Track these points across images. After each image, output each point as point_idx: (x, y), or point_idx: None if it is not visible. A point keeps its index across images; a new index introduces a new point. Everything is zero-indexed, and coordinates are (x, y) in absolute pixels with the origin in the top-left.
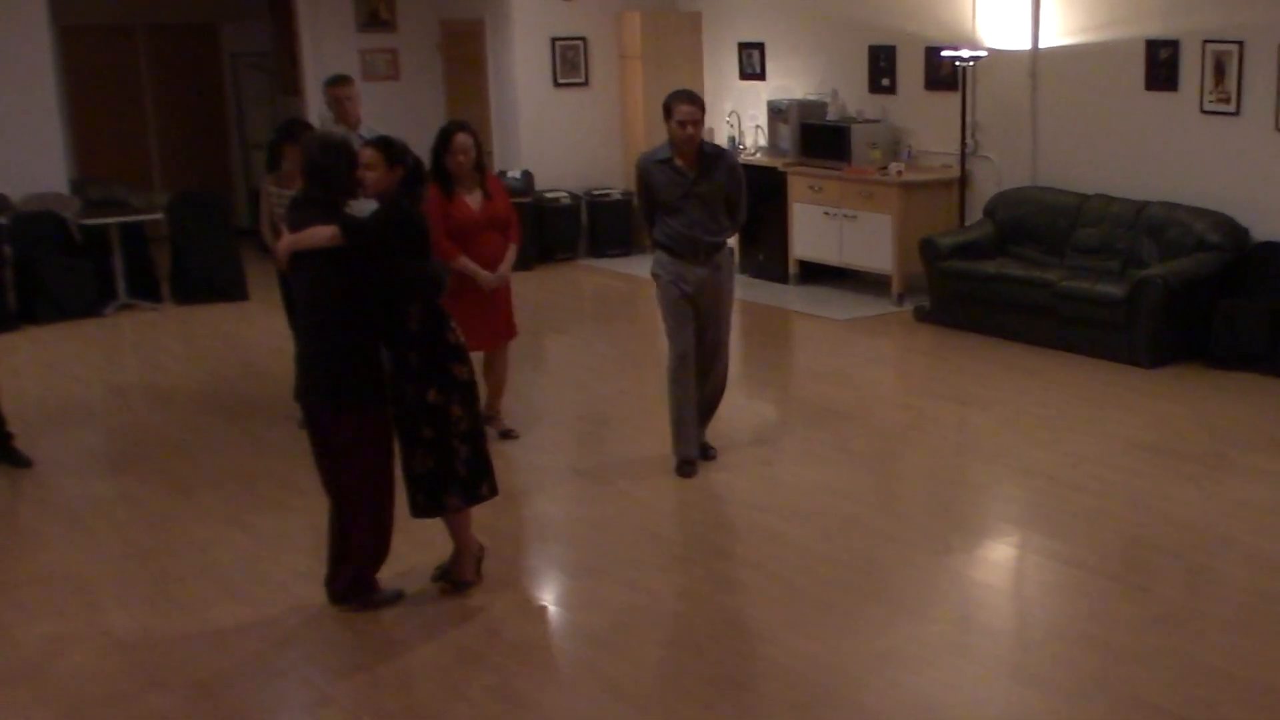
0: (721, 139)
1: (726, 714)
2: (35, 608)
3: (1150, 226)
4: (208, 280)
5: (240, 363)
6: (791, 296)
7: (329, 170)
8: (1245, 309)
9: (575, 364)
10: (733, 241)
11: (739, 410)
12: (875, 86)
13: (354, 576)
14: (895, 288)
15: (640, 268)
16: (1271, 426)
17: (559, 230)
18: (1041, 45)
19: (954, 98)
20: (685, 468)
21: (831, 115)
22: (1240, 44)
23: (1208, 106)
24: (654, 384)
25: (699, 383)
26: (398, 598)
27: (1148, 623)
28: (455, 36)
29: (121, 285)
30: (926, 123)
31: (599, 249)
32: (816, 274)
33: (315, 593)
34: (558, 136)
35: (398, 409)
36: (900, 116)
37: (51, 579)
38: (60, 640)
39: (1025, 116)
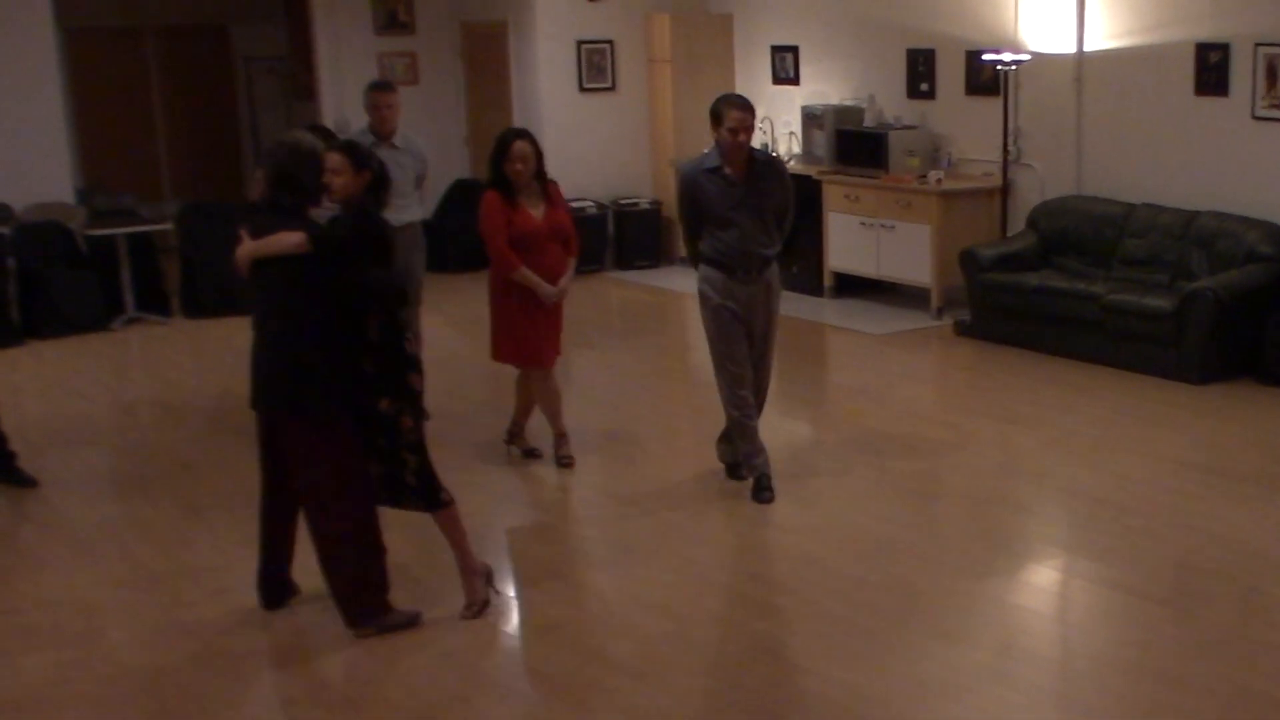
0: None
1: None
2: (39, 633)
3: (1200, 237)
4: (219, 293)
5: None
6: (827, 310)
7: (298, 176)
8: None
9: (603, 380)
10: None
11: (772, 429)
12: (914, 91)
13: (342, 591)
14: (934, 301)
15: (670, 280)
16: None
17: (585, 241)
18: (1087, 48)
19: (995, 103)
20: (764, 494)
21: (868, 121)
22: None
23: (1260, 112)
24: (684, 401)
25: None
26: (416, 619)
27: (1198, 649)
28: (477, 39)
29: (129, 298)
30: (967, 129)
31: (627, 260)
32: (853, 286)
33: (333, 619)
34: (583, 144)
35: (355, 417)
36: (940, 123)
37: (56, 604)
38: (65, 667)
39: (1070, 123)
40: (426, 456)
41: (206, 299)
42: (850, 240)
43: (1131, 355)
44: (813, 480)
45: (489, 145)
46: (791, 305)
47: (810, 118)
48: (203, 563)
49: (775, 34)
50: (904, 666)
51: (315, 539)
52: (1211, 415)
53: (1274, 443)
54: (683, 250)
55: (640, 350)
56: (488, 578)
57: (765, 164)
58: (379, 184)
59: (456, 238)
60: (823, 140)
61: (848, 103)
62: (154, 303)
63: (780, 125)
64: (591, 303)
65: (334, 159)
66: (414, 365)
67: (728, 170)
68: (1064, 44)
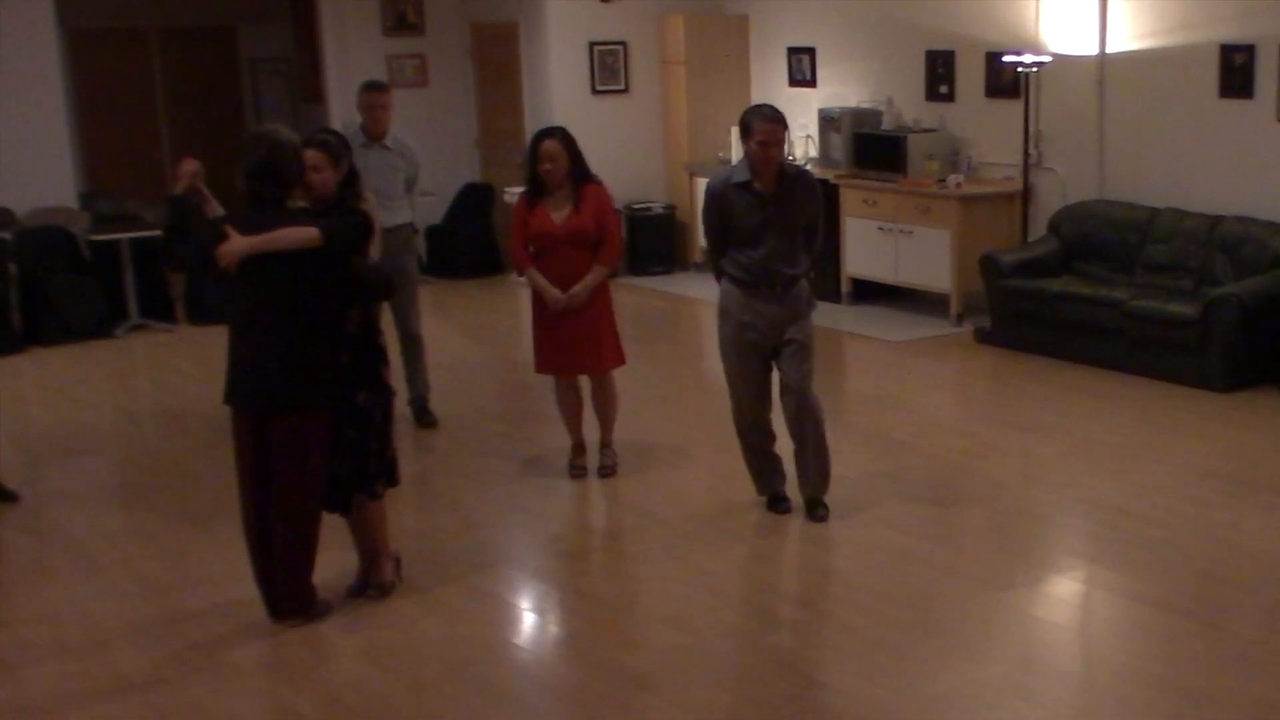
0: None
1: None
2: (42, 646)
3: (1224, 243)
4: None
5: None
6: (844, 316)
7: (283, 171)
8: None
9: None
10: None
11: (787, 438)
12: (933, 94)
13: (296, 586)
14: (954, 307)
15: (684, 286)
16: None
17: None
18: (1109, 50)
19: (1016, 106)
20: (778, 503)
21: (886, 124)
22: None
23: None
24: (698, 410)
25: (793, 426)
26: (329, 608)
27: (1223, 663)
28: (487, 41)
29: (133, 305)
30: (987, 132)
31: (640, 266)
32: (870, 293)
33: (339, 632)
34: (596, 147)
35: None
36: (959, 126)
37: (59, 616)
38: (68, 679)
39: (1092, 126)
40: (391, 443)
41: (212, 305)
42: (868, 245)
43: (1154, 363)
44: (830, 490)
45: (499, 148)
46: None
47: (827, 120)
48: (208, 573)
49: (792, 35)
50: (923, 680)
51: (288, 530)
52: (1236, 424)
53: None
54: (697, 256)
55: (654, 358)
56: (397, 563)
57: (796, 177)
58: (353, 179)
59: (466, 242)
60: (840, 143)
61: (865, 105)
62: (158, 309)
63: (797, 128)
64: None
65: (313, 155)
66: (384, 358)
67: (757, 184)
68: (1086, 45)
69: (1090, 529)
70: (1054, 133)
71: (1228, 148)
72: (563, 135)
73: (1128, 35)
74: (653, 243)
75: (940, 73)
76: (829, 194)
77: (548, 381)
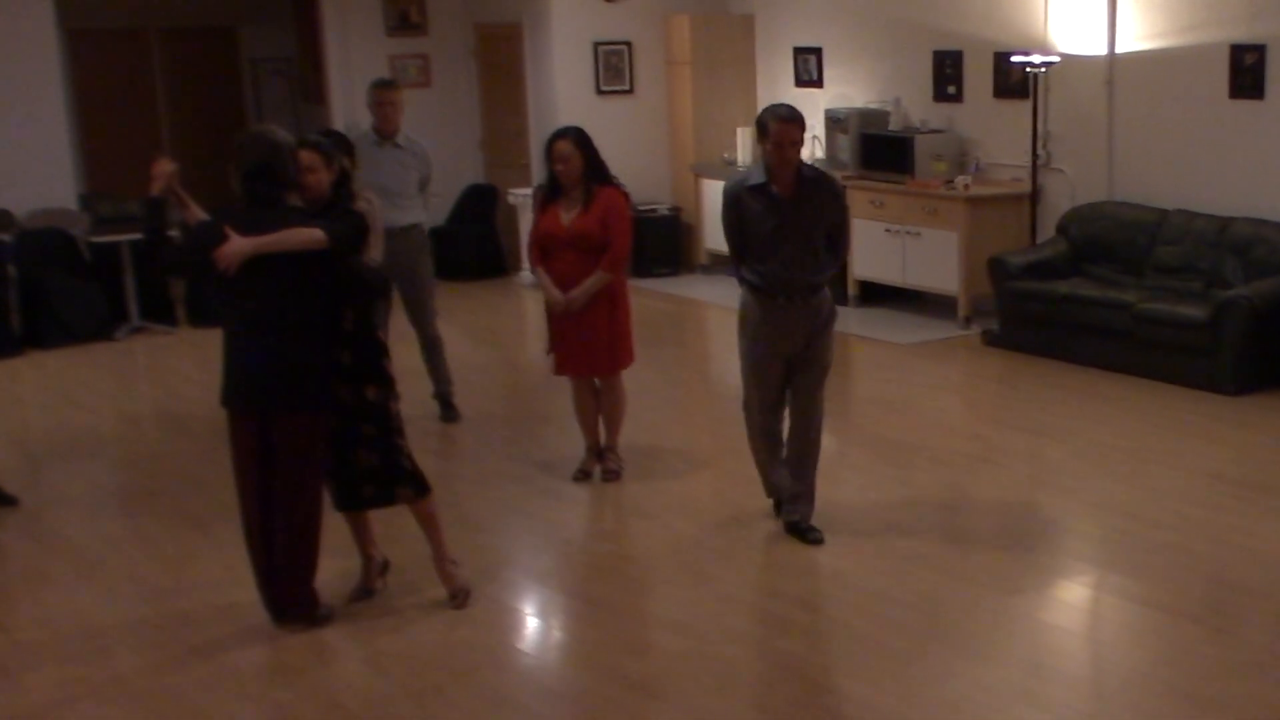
0: None
1: None
2: (42, 652)
3: (1235, 244)
4: None
5: None
6: (851, 319)
7: (281, 171)
8: None
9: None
10: None
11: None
12: (940, 94)
13: (298, 590)
14: (962, 310)
15: (690, 288)
16: None
17: None
18: (1118, 50)
19: (1025, 106)
20: (812, 534)
21: (894, 125)
22: None
23: None
24: (704, 413)
25: (793, 439)
26: (331, 613)
27: (1233, 669)
28: (491, 41)
29: (134, 307)
30: (995, 133)
31: (645, 268)
32: (877, 295)
33: (341, 637)
34: (601, 148)
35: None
36: (967, 126)
37: (58, 621)
38: (69, 686)
39: (1101, 126)
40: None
41: (212, 307)
42: (875, 247)
43: (1164, 365)
44: (837, 494)
45: (503, 149)
46: None
47: (834, 121)
48: (208, 577)
49: (798, 35)
50: (931, 686)
51: (290, 533)
52: (1247, 427)
53: None
54: (703, 258)
55: (659, 361)
56: (382, 568)
57: (814, 181)
58: (345, 179)
59: (470, 244)
60: (847, 144)
61: (873, 106)
62: (159, 311)
63: None
64: None
65: (307, 156)
66: (386, 352)
67: (774, 188)
68: (1095, 45)
69: (1099, 533)
70: (1063, 133)
71: (1238, 149)
72: (577, 136)
73: (1137, 35)
74: (658, 244)
75: (948, 73)
76: None
77: (553, 384)
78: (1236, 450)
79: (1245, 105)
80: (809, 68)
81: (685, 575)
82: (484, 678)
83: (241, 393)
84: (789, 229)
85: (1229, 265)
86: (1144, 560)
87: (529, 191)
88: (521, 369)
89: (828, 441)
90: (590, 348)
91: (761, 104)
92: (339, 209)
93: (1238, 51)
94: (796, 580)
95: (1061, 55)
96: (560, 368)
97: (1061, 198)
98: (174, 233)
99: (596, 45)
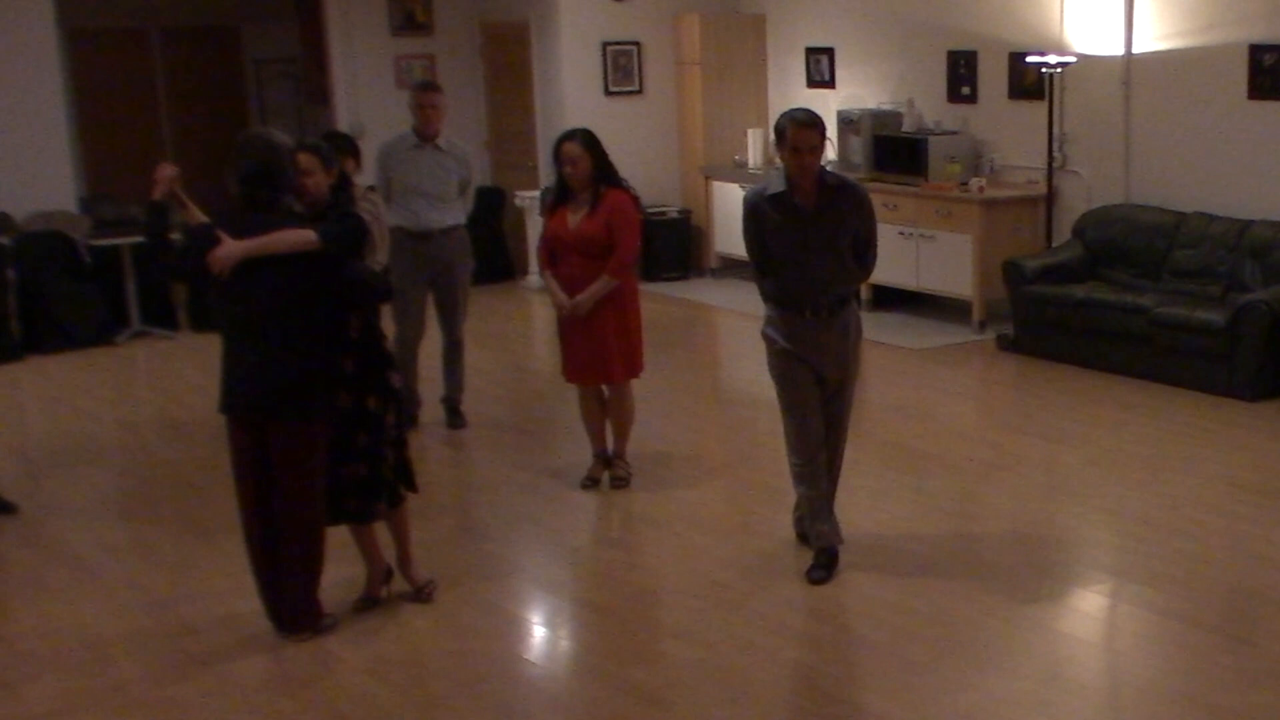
0: None
1: None
2: (42, 663)
3: (1254, 248)
4: None
5: None
6: (864, 323)
7: (280, 174)
8: None
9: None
10: None
11: None
12: (954, 95)
13: (302, 600)
14: (976, 314)
15: (699, 292)
16: None
17: None
18: (1135, 51)
19: (1040, 107)
20: (816, 572)
21: (907, 126)
22: None
23: None
24: (714, 420)
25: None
26: (336, 622)
27: (1252, 679)
28: (497, 40)
29: (135, 312)
30: (1010, 135)
31: (654, 272)
32: (890, 299)
33: (345, 646)
34: (609, 150)
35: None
36: (982, 128)
37: (59, 631)
38: (70, 697)
39: (1118, 128)
40: (405, 451)
41: (214, 312)
42: (888, 251)
43: (1182, 371)
44: (849, 502)
45: (510, 150)
46: None
47: (846, 123)
48: (210, 586)
49: (810, 35)
50: (944, 697)
51: (294, 540)
52: (1265, 433)
53: None
54: (713, 261)
55: (668, 367)
56: (386, 575)
57: (838, 189)
58: (345, 183)
59: (476, 247)
60: (859, 146)
61: (886, 107)
62: (160, 316)
63: None
64: None
65: (305, 160)
66: (391, 363)
67: (796, 198)
68: (1112, 45)
69: (1115, 541)
70: (1079, 135)
71: (1257, 150)
72: (584, 137)
73: (1154, 35)
74: (667, 248)
75: (962, 73)
76: None
77: (560, 389)
78: (1255, 457)
79: (1264, 106)
80: (821, 68)
81: (694, 584)
82: (490, 688)
83: (237, 399)
84: (812, 240)
85: (1248, 269)
86: (1161, 569)
87: (536, 194)
88: (528, 374)
89: None
90: (598, 355)
91: (773, 105)
92: (337, 212)
93: (1257, 52)
94: (807, 589)
95: (1078, 55)
96: (568, 374)
97: (1078, 200)
98: (176, 236)
99: (605, 45)
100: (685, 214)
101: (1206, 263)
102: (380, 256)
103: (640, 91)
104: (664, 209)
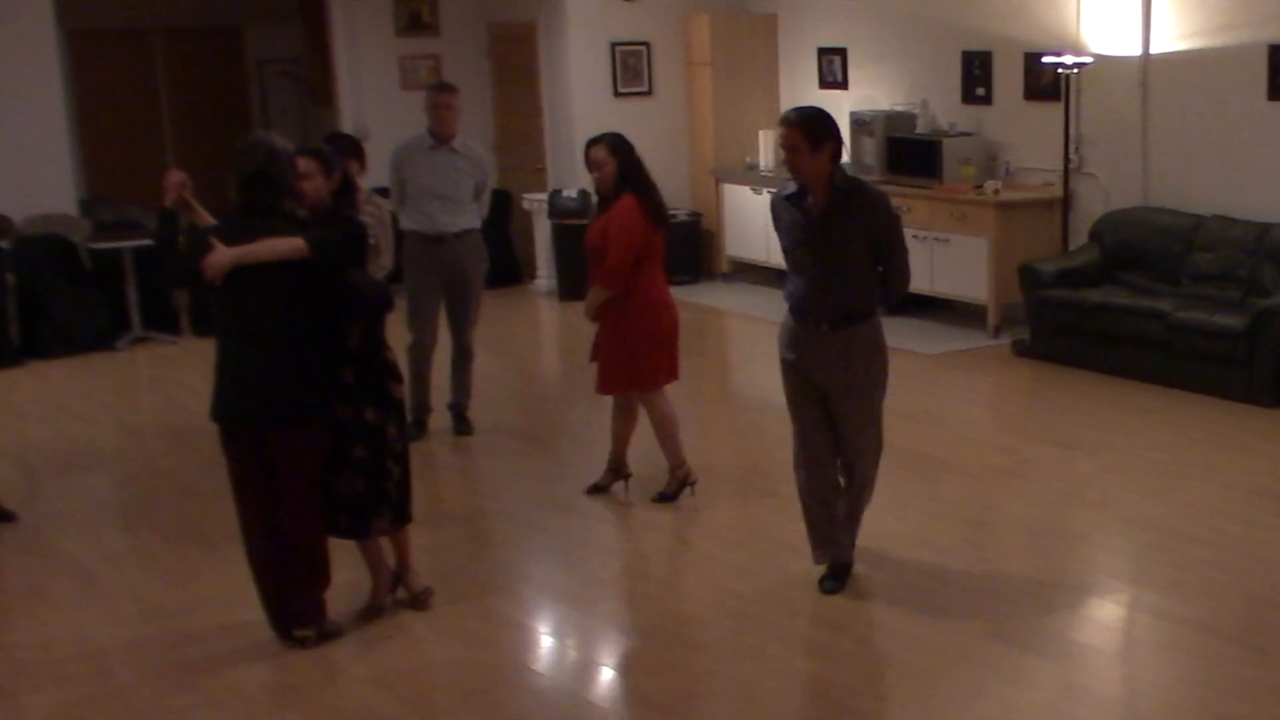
0: None
1: None
2: (41, 674)
3: (1273, 251)
4: None
5: None
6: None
7: (280, 179)
8: None
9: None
10: None
11: None
12: (969, 96)
13: (309, 601)
14: (991, 319)
15: (709, 296)
16: None
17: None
18: (1153, 51)
19: (1056, 109)
20: (827, 583)
21: (921, 128)
22: None
23: None
24: (724, 427)
25: (846, 488)
26: (340, 629)
27: (1271, 690)
28: (504, 41)
29: (135, 316)
30: (1026, 136)
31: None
32: (904, 303)
33: (349, 656)
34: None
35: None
36: (997, 130)
37: (58, 641)
38: (70, 709)
39: (1135, 129)
40: (408, 468)
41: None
42: None
43: (1200, 376)
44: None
45: (517, 153)
46: None
47: (859, 124)
48: (212, 595)
49: (822, 35)
50: (958, 708)
51: (301, 544)
52: None
53: None
54: (724, 265)
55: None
56: (393, 582)
57: (846, 192)
58: (348, 188)
59: None
60: (872, 148)
61: (899, 108)
62: (161, 321)
63: None
64: None
65: (304, 163)
66: (394, 374)
67: (809, 199)
68: (1129, 46)
69: (1133, 550)
70: (1095, 137)
71: (1277, 152)
72: (611, 142)
73: (1172, 35)
74: (677, 251)
75: (977, 74)
76: None
77: (567, 396)
78: (1274, 464)
79: None
80: (833, 69)
81: (705, 593)
82: (497, 698)
83: (228, 406)
84: (816, 245)
85: (1267, 273)
86: (1179, 577)
87: (544, 196)
88: (536, 380)
89: None
90: (604, 365)
91: (784, 106)
92: (335, 218)
93: (1277, 52)
94: (818, 598)
95: (1094, 56)
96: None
97: (1094, 203)
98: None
99: (614, 45)
100: (695, 217)
101: (1225, 266)
102: (385, 261)
103: (650, 93)
104: (674, 212)
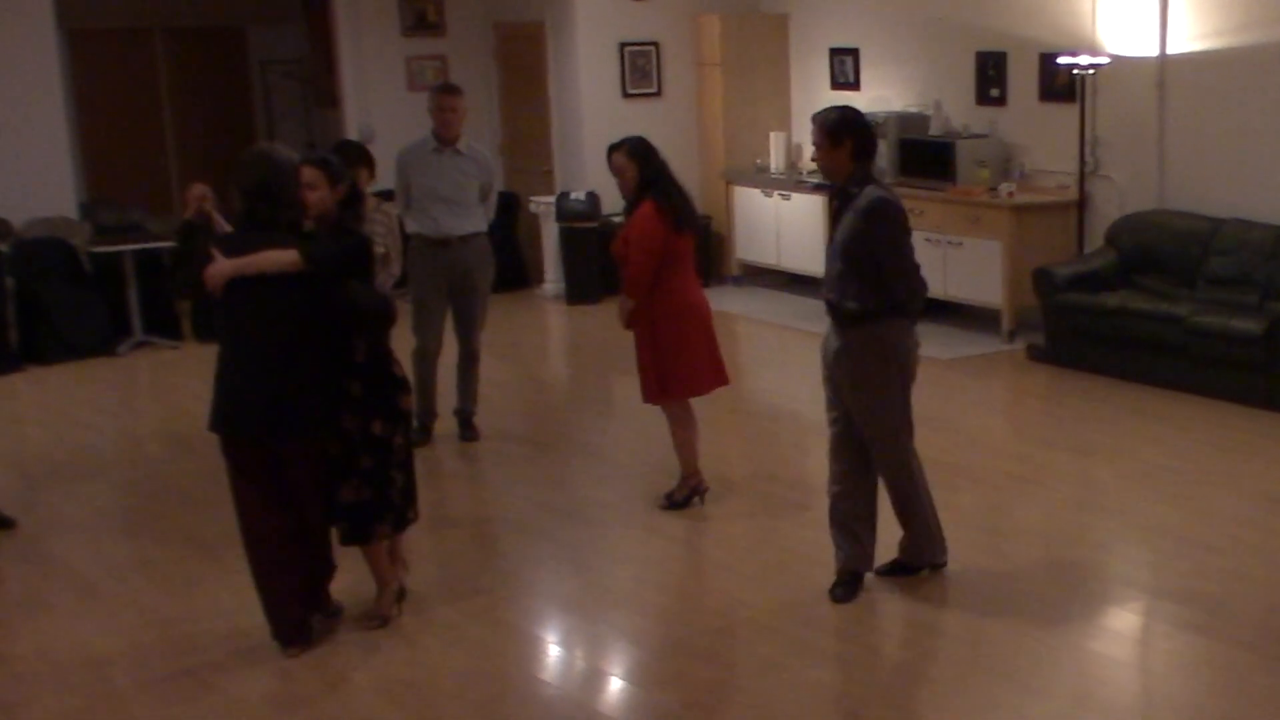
0: (807, 156)
1: None
2: (42, 684)
3: None
4: None
5: None
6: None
7: (282, 191)
8: None
9: (645, 411)
10: None
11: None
12: (983, 98)
13: (318, 598)
14: (1006, 323)
15: (720, 300)
16: None
17: None
18: (1170, 51)
19: (1072, 110)
20: (837, 590)
21: (934, 130)
22: None
23: None
24: (735, 434)
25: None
26: (341, 608)
27: None
28: (512, 41)
29: (137, 320)
30: (1041, 138)
31: None
32: None
33: (354, 666)
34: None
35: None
36: (1011, 131)
37: (59, 650)
38: (70, 717)
39: (1152, 131)
40: (412, 474)
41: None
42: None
43: (1218, 382)
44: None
45: (524, 155)
46: None
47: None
48: (214, 604)
49: (834, 35)
50: (973, 717)
51: (314, 548)
52: None
53: None
54: (734, 268)
55: None
56: (400, 594)
57: (846, 192)
58: (355, 198)
59: None
60: (885, 150)
61: (912, 109)
62: (163, 325)
63: None
64: None
65: (309, 173)
66: (404, 387)
67: (835, 200)
68: (1146, 46)
69: (1149, 558)
70: (1111, 139)
71: None
72: (630, 147)
73: (1190, 35)
74: None
75: (991, 75)
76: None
77: (575, 403)
78: None
79: None
80: (845, 69)
81: (715, 602)
82: (504, 709)
83: (226, 419)
84: (830, 240)
85: None
86: (1197, 586)
87: (551, 199)
88: (544, 386)
89: None
90: (643, 372)
91: (796, 107)
92: (340, 230)
93: None
94: (830, 607)
95: (1110, 56)
96: None
97: (1110, 206)
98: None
99: (623, 46)
100: (706, 220)
101: (1243, 270)
102: (395, 269)
103: (659, 93)
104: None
